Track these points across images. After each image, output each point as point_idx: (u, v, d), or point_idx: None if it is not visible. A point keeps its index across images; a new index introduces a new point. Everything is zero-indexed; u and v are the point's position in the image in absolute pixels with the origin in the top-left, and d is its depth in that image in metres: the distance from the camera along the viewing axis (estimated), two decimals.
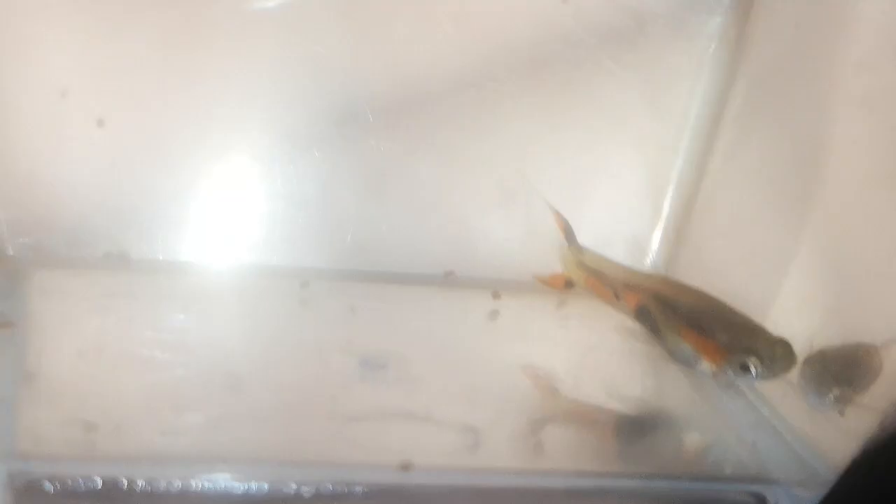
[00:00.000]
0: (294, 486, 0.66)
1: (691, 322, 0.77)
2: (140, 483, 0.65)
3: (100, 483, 0.64)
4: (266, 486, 0.66)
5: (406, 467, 0.67)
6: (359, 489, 0.66)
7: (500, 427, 0.75)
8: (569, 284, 0.89)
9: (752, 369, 0.73)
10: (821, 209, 0.84)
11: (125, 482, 0.65)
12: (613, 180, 0.98)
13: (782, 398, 0.79)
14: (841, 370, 0.72)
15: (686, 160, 0.98)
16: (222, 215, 0.92)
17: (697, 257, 0.99)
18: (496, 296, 0.96)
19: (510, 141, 0.95)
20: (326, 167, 0.92)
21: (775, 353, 0.73)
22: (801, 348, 0.79)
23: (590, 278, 0.87)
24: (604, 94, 0.95)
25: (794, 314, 0.84)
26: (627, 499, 0.70)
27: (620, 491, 0.70)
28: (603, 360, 0.88)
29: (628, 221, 1.00)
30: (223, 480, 0.66)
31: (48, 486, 0.64)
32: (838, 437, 0.73)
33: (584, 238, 0.95)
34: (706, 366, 0.76)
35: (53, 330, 0.80)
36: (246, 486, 0.66)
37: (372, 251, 0.95)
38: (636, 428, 0.80)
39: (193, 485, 0.66)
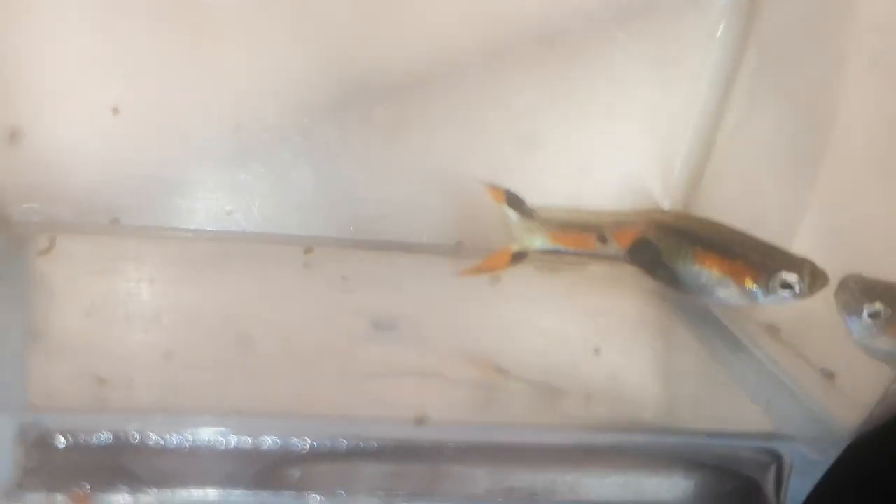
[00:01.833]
0: (308, 441, 0.65)
1: (710, 246, 0.76)
2: (151, 436, 0.64)
3: (111, 436, 0.64)
4: (279, 441, 0.65)
5: (421, 421, 0.66)
6: (373, 444, 0.66)
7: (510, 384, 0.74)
8: (517, 258, 0.84)
9: (795, 285, 0.72)
10: (830, 179, 0.84)
11: (136, 435, 0.64)
12: (623, 151, 0.98)
13: (795, 358, 0.79)
14: (880, 289, 0.72)
15: (696, 131, 0.98)
16: (231, 184, 0.92)
17: None
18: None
19: (520, 112, 0.95)
20: (337, 138, 0.92)
21: (811, 270, 0.73)
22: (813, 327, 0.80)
23: (561, 233, 0.83)
24: (614, 65, 0.95)
25: None
26: (643, 454, 0.69)
27: (636, 446, 0.69)
28: (614, 324, 0.88)
29: (638, 192, 1.00)
30: (235, 435, 0.65)
31: (59, 439, 0.63)
32: (852, 395, 0.72)
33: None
34: (732, 289, 0.75)
35: (60, 290, 0.80)
36: (258, 441, 0.65)
37: (382, 221, 0.94)
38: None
39: (204, 438, 0.65)
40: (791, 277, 0.73)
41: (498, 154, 0.96)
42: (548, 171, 0.97)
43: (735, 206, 0.95)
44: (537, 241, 0.82)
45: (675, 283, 0.78)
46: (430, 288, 0.90)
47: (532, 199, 0.97)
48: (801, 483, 0.72)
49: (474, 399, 0.72)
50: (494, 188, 0.83)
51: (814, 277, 0.73)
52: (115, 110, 0.87)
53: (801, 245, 0.85)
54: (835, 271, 0.81)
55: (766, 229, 0.89)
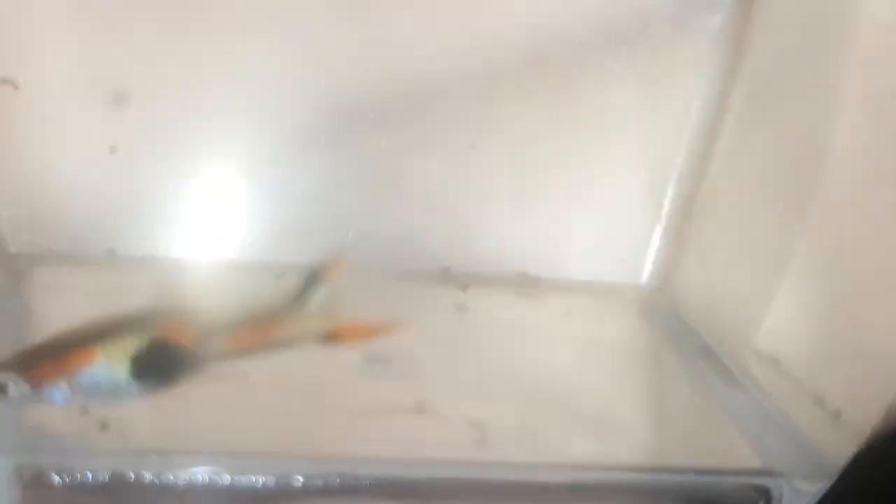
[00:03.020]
0: (301, 479, 0.66)
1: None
2: (147, 476, 0.65)
3: (106, 476, 0.65)
4: (273, 480, 0.66)
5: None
6: (366, 483, 0.67)
7: (505, 421, 0.75)
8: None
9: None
10: (821, 208, 0.84)
11: (132, 475, 0.65)
12: (614, 179, 0.99)
13: (789, 391, 0.79)
14: None
15: (687, 159, 0.98)
16: (224, 214, 0.92)
17: (698, 256, 1.00)
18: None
19: (512, 138, 0.95)
20: (328, 164, 0.93)
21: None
22: (805, 348, 0.79)
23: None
24: (605, 92, 0.95)
25: (794, 312, 0.84)
26: (631, 492, 0.70)
27: (624, 484, 0.70)
28: (603, 356, 0.88)
29: (629, 219, 1.00)
30: (230, 474, 0.66)
31: (55, 479, 0.64)
32: (841, 431, 0.73)
33: (583, 235, 0.96)
34: None
35: (57, 326, 0.80)
36: (253, 480, 0.66)
37: (372, 247, 0.95)
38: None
39: (200, 478, 0.66)
40: None
41: (490, 179, 0.97)
42: (540, 196, 0.97)
43: (727, 234, 0.95)
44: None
45: None
46: (423, 319, 0.90)
47: (525, 223, 0.99)
48: None
49: (467, 436, 0.72)
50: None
51: None
52: (113, 149, 0.88)
53: (792, 274, 0.86)
54: (826, 300, 0.82)
55: (758, 258, 0.90)
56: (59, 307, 0.83)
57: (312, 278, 0.76)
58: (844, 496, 0.74)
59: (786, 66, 0.89)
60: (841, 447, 0.70)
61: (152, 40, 0.86)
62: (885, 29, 0.76)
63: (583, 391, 0.78)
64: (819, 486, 0.72)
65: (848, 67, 0.79)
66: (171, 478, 0.65)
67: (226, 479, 0.66)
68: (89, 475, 0.65)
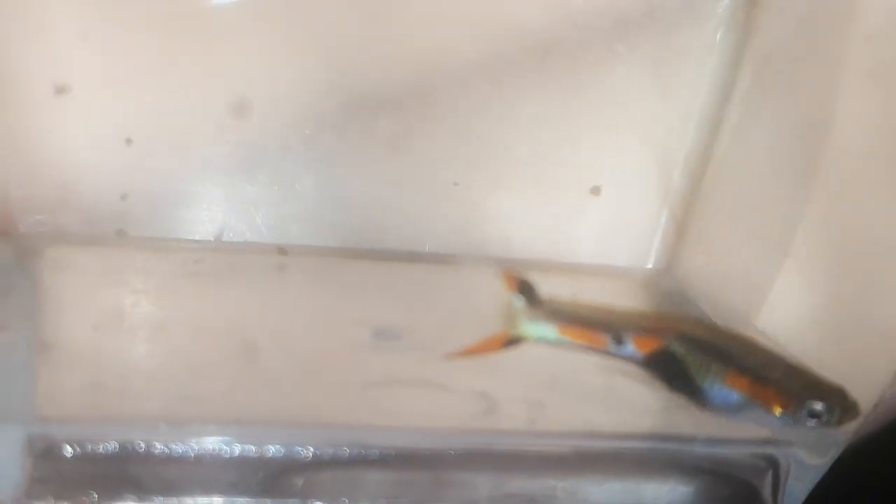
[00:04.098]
0: (311, 449, 0.67)
1: (743, 368, 0.73)
2: (157, 446, 0.66)
3: (117, 446, 0.65)
4: (283, 449, 0.67)
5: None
6: (375, 452, 0.67)
7: (513, 393, 0.75)
8: (511, 343, 0.79)
9: (823, 415, 0.70)
10: (825, 190, 0.84)
11: (142, 445, 0.65)
12: (622, 164, 0.99)
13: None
14: None
15: (693, 143, 0.98)
16: (233, 195, 0.93)
17: (704, 239, 1.00)
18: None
19: (520, 122, 0.96)
20: (340, 149, 0.93)
21: (841, 401, 0.70)
22: (807, 326, 0.79)
23: (571, 327, 0.79)
24: (614, 77, 0.95)
25: (796, 292, 0.85)
26: (639, 460, 0.70)
27: (632, 452, 0.70)
28: None
29: (637, 203, 1.01)
30: (239, 444, 0.66)
31: (66, 449, 0.64)
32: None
33: (591, 220, 0.97)
34: (759, 413, 0.72)
35: (68, 302, 0.81)
36: (262, 449, 0.67)
37: (384, 231, 0.95)
38: None
39: (209, 447, 0.66)
40: (819, 406, 0.70)
41: (499, 165, 0.97)
42: (548, 181, 0.98)
43: (733, 216, 0.96)
44: (543, 330, 0.79)
45: (695, 397, 0.75)
46: (432, 298, 0.91)
47: (534, 209, 0.99)
48: (798, 487, 0.73)
49: (475, 408, 0.73)
50: (509, 275, 0.81)
51: (844, 410, 0.70)
52: (129, 141, 0.88)
53: (798, 256, 0.86)
54: (837, 287, 0.82)
55: (764, 240, 0.90)
56: (69, 285, 0.84)
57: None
58: (847, 475, 0.75)
59: (791, 48, 0.90)
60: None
61: (160, 29, 0.87)
62: (886, 5, 0.76)
63: (591, 366, 0.78)
64: (826, 458, 0.72)
65: (854, 44, 0.80)
66: (182, 447, 0.66)
67: (235, 448, 0.66)
68: (100, 445, 0.65)
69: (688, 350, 0.75)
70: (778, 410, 0.71)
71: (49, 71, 0.85)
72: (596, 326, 0.78)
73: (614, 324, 0.78)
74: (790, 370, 0.73)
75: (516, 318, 0.79)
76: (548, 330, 0.78)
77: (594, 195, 0.98)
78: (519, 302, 0.79)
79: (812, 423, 0.70)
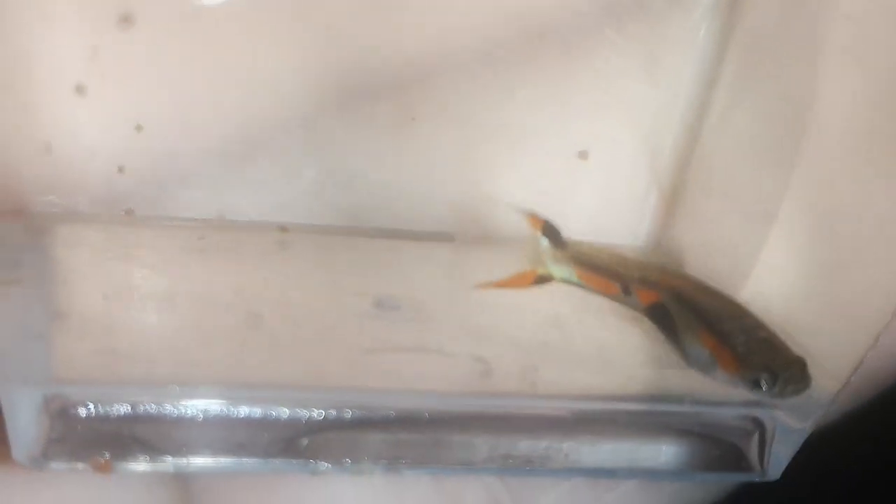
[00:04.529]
0: (315, 411, 0.69)
1: (712, 329, 0.76)
2: (167, 407, 0.68)
3: (129, 407, 0.68)
4: (288, 411, 0.69)
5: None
6: (377, 414, 0.70)
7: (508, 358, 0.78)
8: (540, 281, 0.86)
9: (763, 386, 0.72)
10: (808, 167, 0.87)
11: (153, 406, 0.68)
12: (612, 143, 1.01)
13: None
14: None
15: (681, 123, 1.01)
16: (239, 176, 0.95)
17: (692, 219, 1.02)
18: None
19: (514, 105, 0.98)
20: (341, 130, 0.95)
21: (789, 374, 0.72)
22: (791, 299, 0.82)
23: (588, 273, 0.85)
24: (603, 60, 0.98)
25: (783, 272, 0.87)
26: (630, 421, 0.73)
27: (623, 413, 0.73)
28: (601, 304, 0.91)
29: (626, 184, 1.03)
30: (247, 406, 0.69)
31: (81, 410, 0.67)
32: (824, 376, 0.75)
33: (583, 197, 0.99)
34: (720, 374, 0.75)
35: (80, 275, 0.83)
36: (269, 411, 0.69)
37: (385, 210, 0.98)
38: None
39: (218, 409, 0.69)
40: (762, 376, 0.72)
41: (493, 147, 0.99)
42: (540, 162, 1.00)
43: (720, 197, 0.98)
44: (564, 272, 0.85)
45: (681, 352, 0.78)
46: (430, 273, 0.93)
47: (528, 188, 1.02)
48: (783, 449, 0.75)
49: (472, 371, 0.75)
50: (534, 216, 0.87)
51: (786, 383, 0.71)
52: (139, 127, 0.91)
53: (783, 234, 0.89)
54: (819, 259, 0.85)
55: (748, 213, 0.93)
56: (81, 259, 0.86)
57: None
58: (832, 438, 0.77)
59: (775, 31, 0.92)
60: (825, 390, 0.74)
61: (166, 16, 0.89)
62: None
63: (583, 334, 0.81)
64: (808, 422, 0.75)
65: (834, 22, 0.82)
66: (191, 409, 0.68)
67: (243, 410, 0.69)
68: (113, 407, 0.68)
69: (678, 306, 0.79)
70: (729, 373, 0.74)
71: (64, 60, 0.88)
72: (609, 275, 0.83)
73: (625, 274, 0.83)
74: (757, 337, 0.75)
75: (542, 259, 0.84)
76: (568, 272, 0.84)
77: (586, 172, 1.00)
78: (544, 242, 0.83)
79: (756, 391, 0.72)
